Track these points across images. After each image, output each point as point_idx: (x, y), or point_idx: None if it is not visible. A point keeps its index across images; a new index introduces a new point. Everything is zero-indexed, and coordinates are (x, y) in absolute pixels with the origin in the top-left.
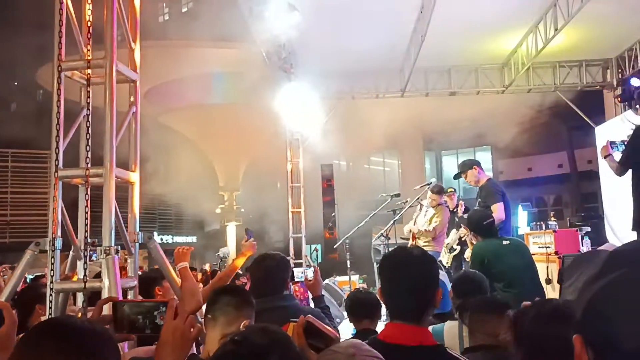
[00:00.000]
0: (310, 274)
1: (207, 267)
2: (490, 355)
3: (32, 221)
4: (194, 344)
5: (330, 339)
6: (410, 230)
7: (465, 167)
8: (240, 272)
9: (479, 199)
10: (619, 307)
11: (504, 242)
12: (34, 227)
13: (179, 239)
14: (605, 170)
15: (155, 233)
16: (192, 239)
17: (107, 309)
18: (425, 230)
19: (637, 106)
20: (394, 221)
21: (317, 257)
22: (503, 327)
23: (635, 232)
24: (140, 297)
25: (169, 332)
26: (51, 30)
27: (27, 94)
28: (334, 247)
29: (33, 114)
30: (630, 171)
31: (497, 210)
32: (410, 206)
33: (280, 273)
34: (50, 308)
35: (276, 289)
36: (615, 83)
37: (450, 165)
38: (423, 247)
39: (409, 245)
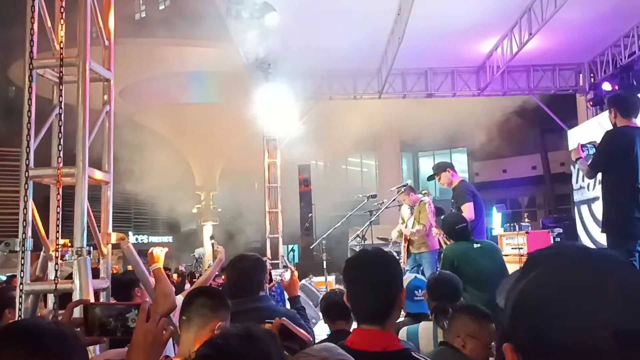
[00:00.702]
0: (287, 276)
1: (182, 267)
2: (447, 354)
3: (3, 220)
4: (172, 344)
5: (303, 342)
6: (401, 232)
7: (439, 169)
8: (217, 273)
9: (452, 200)
10: (538, 307)
11: (475, 245)
12: (4, 226)
13: (154, 239)
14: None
15: (130, 233)
16: (168, 238)
17: (78, 312)
18: (417, 230)
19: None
20: (370, 222)
21: (293, 257)
22: (463, 331)
23: (604, 234)
24: (112, 299)
25: (140, 334)
26: (23, 26)
27: None
28: (311, 247)
29: (4, 111)
30: (600, 174)
31: (467, 210)
32: (387, 207)
33: (256, 274)
34: (19, 310)
35: (252, 290)
36: (587, 87)
37: (426, 166)
38: (418, 250)
39: (394, 247)
